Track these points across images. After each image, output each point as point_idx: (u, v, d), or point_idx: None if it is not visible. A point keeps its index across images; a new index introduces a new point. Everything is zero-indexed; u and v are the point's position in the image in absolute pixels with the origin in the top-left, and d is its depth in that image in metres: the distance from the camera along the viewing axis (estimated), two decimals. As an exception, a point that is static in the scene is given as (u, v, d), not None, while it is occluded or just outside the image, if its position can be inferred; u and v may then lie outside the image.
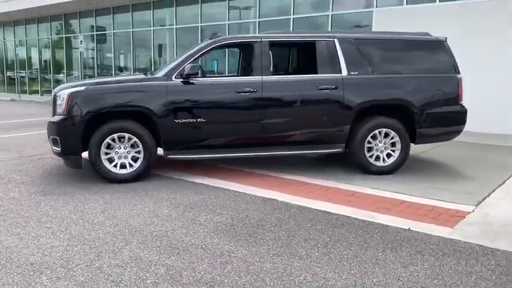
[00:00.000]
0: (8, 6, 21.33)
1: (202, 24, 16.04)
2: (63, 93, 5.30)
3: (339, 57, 5.66)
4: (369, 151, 5.76)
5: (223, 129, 5.50)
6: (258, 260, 3.22)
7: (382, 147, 5.78)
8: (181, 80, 5.35)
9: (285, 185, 5.26)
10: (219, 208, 4.40)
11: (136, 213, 4.24)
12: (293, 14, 13.81)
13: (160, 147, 5.45)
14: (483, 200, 4.70)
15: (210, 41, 5.64)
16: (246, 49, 6.14)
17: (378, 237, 3.67)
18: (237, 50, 7.22)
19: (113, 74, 19.86)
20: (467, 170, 6.18)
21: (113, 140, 5.27)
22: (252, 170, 5.94)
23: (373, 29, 11.35)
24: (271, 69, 5.73)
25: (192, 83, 5.38)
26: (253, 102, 5.45)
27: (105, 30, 20.34)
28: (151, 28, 17.98)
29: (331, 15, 13.16)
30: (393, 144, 5.79)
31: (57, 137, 5.27)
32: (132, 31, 18.77)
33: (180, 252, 3.35)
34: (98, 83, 5.53)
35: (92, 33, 20.80)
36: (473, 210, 4.35)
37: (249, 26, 15.07)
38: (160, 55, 18.58)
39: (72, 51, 22.19)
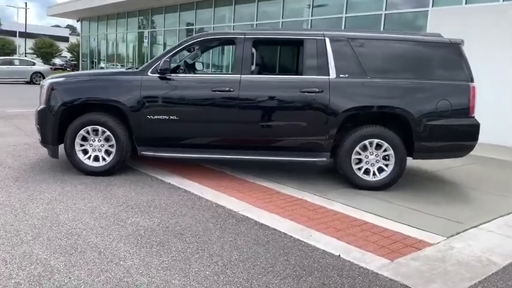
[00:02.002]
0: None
1: (283, 20, 15.37)
2: (46, 83, 5.40)
3: (328, 57, 5.15)
4: (357, 163, 5.19)
5: (196, 128, 5.26)
6: (139, 272, 2.96)
7: (373, 160, 5.17)
8: (157, 75, 5.20)
9: (254, 192, 4.90)
10: (158, 211, 4.18)
11: (75, 208, 4.17)
12: (345, 12, 13.14)
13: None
14: (463, 231, 3.99)
15: (189, 37, 5.43)
16: (230, 46, 5.83)
17: (293, 260, 3.22)
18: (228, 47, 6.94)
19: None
20: (477, 193, 5.35)
21: (88, 132, 5.27)
22: (234, 174, 5.64)
23: (428, 30, 10.42)
24: (253, 68, 5.39)
25: (169, 79, 5.21)
26: (229, 102, 5.15)
27: (170, 27, 21.00)
28: (212, 25, 18.18)
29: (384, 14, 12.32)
30: (386, 158, 5.16)
31: (38, 126, 5.39)
32: (195, 28, 19.14)
33: (73, 254, 3.20)
34: (77, 75, 5.56)
35: (158, 29, 21.58)
36: (438, 243, 3.69)
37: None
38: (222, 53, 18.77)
39: (143, 45, 23.21)
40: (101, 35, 27.21)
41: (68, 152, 5.29)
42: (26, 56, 47.30)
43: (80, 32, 29.77)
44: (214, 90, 5.13)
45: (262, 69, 6.04)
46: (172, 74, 5.25)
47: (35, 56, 53.38)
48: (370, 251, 3.44)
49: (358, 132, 5.11)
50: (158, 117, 5.18)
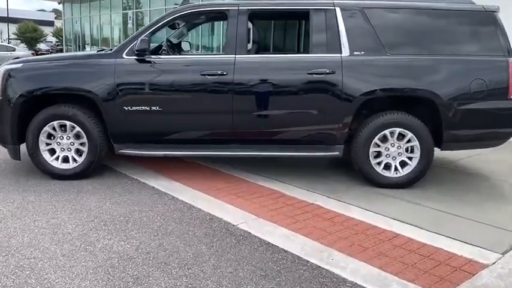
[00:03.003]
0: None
1: None
2: (1, 69, 4.49)
3: (340, 31, 4.28)
4: (376, 157, 4.37)
5: (183, 121, 4.40)
6: None
7: (395, 152, 4.36)
8: (135, 57, 4.30)
9: (255, 195, 4.07)
10: (138, 228, 3.35)
11: (34, 228, 3.33)
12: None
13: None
14: (519, 243, 3.21)
15: (171, 11, 4.51)
16: (222, 21, 4.95)
17: (315, 303, 2.42)
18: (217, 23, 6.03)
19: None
20: (516, 189, 4.58)
21: (54, 128, 4.39)
22: (230, 172, 4.80)
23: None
24: (250, 46, 4.50)
25: (148, 62, 4.32)
26: (222, 88, 4.28)
27: (156, 7, 19.87)
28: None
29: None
30: (410, 150, 4.35)
31: (-7, 122, 4.50)
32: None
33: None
34: (39, 60, 4.65)
35: (143, 9, 20.45)
36: (493, 263, 2.90)
37: None
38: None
39: (127, 27, 22.09)
40: (84, 17, 25.90)
41: (31, 153, 4.42)
42: (9, 42, 45.70)
43: (63, 15, 28.36)
44: (204, 74, 4.26)
45: (261, 47, 5.13)
46: (152, 56, 4.36)
47: (19, 41, 51.76)
48: (412, 281, 2.64)
49: (378, 120, 4.28)
50: (137, 108, 4.31)
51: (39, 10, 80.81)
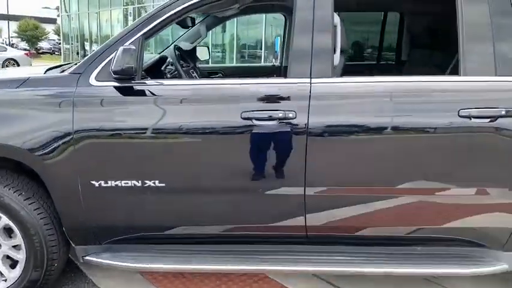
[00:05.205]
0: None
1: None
2: None
3: (522, 32, 2.14)
4: None
5: (208, 205, 2.27)
6: None
7: None
8: (113, 84, 2.18)
9: None
10: None
11: None
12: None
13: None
14: None
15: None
16: (277, 12, 2.83)
17: None
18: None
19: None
20: None
21: (-39, 218, 2.29)
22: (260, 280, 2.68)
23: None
24: (337, 60, 2.30)
25: (140, 92, 2.20)
26: (286, 144, 2.15)
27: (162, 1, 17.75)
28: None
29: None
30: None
31: None
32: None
33: None
34: None
35: (146, 4, 18.37)
36: None
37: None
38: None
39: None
40: (82, 13, 23.78)
41: None
42: (11, 40, 43.94)
43: (60, 11, 26.15)
44: (249, 118, 2.12)
45: (355, 59, 2.99)
46: (148, 81, 2.25)
47: (19, 39, 50.18)
48: None
49: None
50: (116, 182, 2.19)
51: (44, 7, 78.75)
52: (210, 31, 3.78)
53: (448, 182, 2.16)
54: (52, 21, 64.76)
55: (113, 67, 2.07)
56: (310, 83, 2.14)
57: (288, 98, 2.15)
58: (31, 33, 52.38)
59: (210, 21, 3.43)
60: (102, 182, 2.19)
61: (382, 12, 3.68)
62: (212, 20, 3.44)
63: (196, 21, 3.35)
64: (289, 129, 2.12)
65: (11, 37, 50.45)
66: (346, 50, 2.46)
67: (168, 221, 2.32)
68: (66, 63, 2.87)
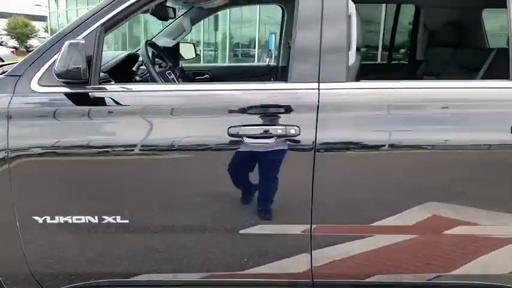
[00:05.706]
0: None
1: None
2: None
3: None
4: None
5: (184, 248, 1.77)
6: None
7: None
8: (59, 89, 1.66)
9: None
10: None
11: None
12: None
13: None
14: None
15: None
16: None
17: None
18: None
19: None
20: None
21: None
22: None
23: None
24: (353, 60, 1.80)
25: (96, 101, 1.69)
26: (284, 170, 1.64)
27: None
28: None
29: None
30: None
31: None
32: None
33: None
34: None
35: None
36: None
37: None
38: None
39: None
40: (71, 10, 23.13)
41: None
42: (0, 38, 43.11)
43: (47, 8, 25.47)
44: (238, 135, 1.62)
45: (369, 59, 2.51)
46: (110, 85, 1.75)
47: (9, 37, 49.47)
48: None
49: None
50: (65, 218, 1.68)
51: (35, 5, 77.79)
52: (202, 29, 3.27)
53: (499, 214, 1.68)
54: (43, 18, 63.81)
55: (55, 68, 1.56)
56: (319, 89, 1.64)
57: (289, 109, 1.65)
58: (21, 30, 51.51)
59: (195, 14, 2.92)
60: (48, 218, 1.68)
61: (394, 6, 3.20)
62: (197, 12, 2.92)
63: (179, 14, 2.86)
64: (290, 150, 1.62)
65: (0, 35, 49.64)
66: (360, 48, 1.95)
67: (133, 266, 1.80)
68: (9, 62, 2.33)
